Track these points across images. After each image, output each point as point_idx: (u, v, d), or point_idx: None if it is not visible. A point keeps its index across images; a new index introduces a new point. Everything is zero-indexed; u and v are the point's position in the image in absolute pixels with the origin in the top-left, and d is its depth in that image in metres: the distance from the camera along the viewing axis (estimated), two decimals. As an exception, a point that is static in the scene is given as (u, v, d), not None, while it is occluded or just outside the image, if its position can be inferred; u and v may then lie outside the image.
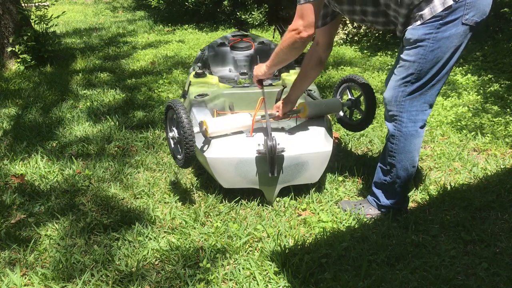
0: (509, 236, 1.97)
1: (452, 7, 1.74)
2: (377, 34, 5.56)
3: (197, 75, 3.11)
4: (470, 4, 1.74)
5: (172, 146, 2.30)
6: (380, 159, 2.14)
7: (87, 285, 1.79)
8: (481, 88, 3.79)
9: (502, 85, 3.77)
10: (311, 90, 2.76)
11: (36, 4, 5.75)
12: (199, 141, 2.28)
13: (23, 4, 5.28)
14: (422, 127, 1.98)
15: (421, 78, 1.87)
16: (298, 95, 2.41)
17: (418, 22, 1.81)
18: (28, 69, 4.98)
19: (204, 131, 2.23)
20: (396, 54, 5.21)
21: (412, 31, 1.83)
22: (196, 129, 2.18)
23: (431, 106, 1.96)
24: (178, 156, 2.25)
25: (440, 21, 1.76)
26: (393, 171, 2.06)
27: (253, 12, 7.15)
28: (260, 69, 2.33)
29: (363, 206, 2.20)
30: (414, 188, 2.41)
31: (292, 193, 2.34)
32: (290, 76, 3.10)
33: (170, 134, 2.27)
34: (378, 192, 2.15)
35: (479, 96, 3.63)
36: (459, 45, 1.83)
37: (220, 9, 7.53)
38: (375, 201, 2.18)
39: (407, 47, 1.88)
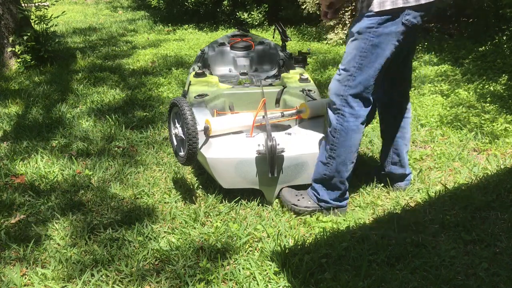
0: (509, 236, 1.97)
1: (399, 8, 1.83)
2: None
3: (197, 75, 3.12)
4: (412, 6, 1.83)
5: (175, 143, 2.31)
6: (320, 153, 2.15)
7: (87, 285, 1.79)
8: (481, 88, 3.79)
9: (502, 85, 3.77)
10: (311, 91, 2.76)
11: (36, 4, 5.74)
12: (200, 141, 2.29)
13: (23, 4, 5.28)
14: (363, 123, 2.03)
15: (362, 72, 1.93)
16: None
17: (365, 10, 1.89)
18: (28, 69, 4.98)
19: (207, 129, 2.23)
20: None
21: (357, 23, 1.92)
22: (199, 127, 2.19)
23: (372, 102, 2.02)
24: (180, 153, 2.27)
25: (382, 17, 1.85)
26: (332, 165, 2.08)
27: (252, 12, 7.15)
28: None
29: (303, 198, 2.21)
30: (416, 189, 2.41)
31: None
32: (290, 76, 3.10)
33: (174, 131, 2.29)
34: (318, 187, 2.17)
35: (479, 96, 3.63)
36: (397, 44, 1.90)
37: (220, 9, 7.53)
38: (314, 195, 2.19)
39: (350, 39, 1.96)
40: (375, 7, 1.86)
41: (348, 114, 1.99)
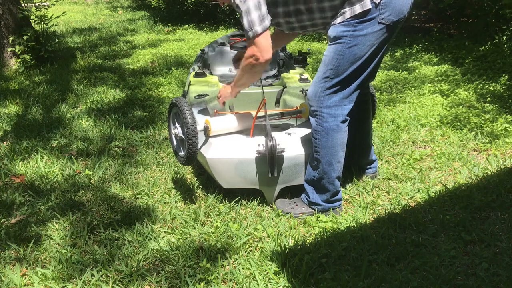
0: (509, 236, 1.97)
1: (370, 10, 1.87)
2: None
3: (197, 75, 3.12)
4: (385, 4, 1.87)
5: (175, 143, 2.31)
6: (310, 155, 2.18)
7: (87, 285, 1.79)
8: (481, 88, 3.79)
9: (502, 85, 3.77)
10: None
11: (36, 4, 5.74)
12: (200, 141, 2.29)
13: (23, 4, 5.28)
14: (343, 122, 2.05)
15: (339, 74, 1.97)
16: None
17: (339, 19, 1.93)
18: (28, 69, 4.98)
19: (207, 129, 2.23)
20: (391, 53, 5.21)
21: (333, 29, 1.96)
22: (199, 127, 2.19)
23: (351, 101, 2.04)
24: (180, 154, 2.27)
25: (357, 20, 1.89)
26: (319, 167, 2.11)
27: (253, 12, 7.14)
28: (227, 90, 2.34)
29: (296, 205, 2.23)
30: (416, 189, 2.41)
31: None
32: (290, 76, 3.10)
33: (173, 131, 2.29)
34: (309, 189, 2.20)
35: (479, 96, 3.63)
36: (376, 43, 1.94)
37: (220, 9, 7.53)
38: (306, 198, 2.21)
39: (328, 44, 2.00)
40: (347, 14, 1.90)
41: (326, 115, 2.02)
